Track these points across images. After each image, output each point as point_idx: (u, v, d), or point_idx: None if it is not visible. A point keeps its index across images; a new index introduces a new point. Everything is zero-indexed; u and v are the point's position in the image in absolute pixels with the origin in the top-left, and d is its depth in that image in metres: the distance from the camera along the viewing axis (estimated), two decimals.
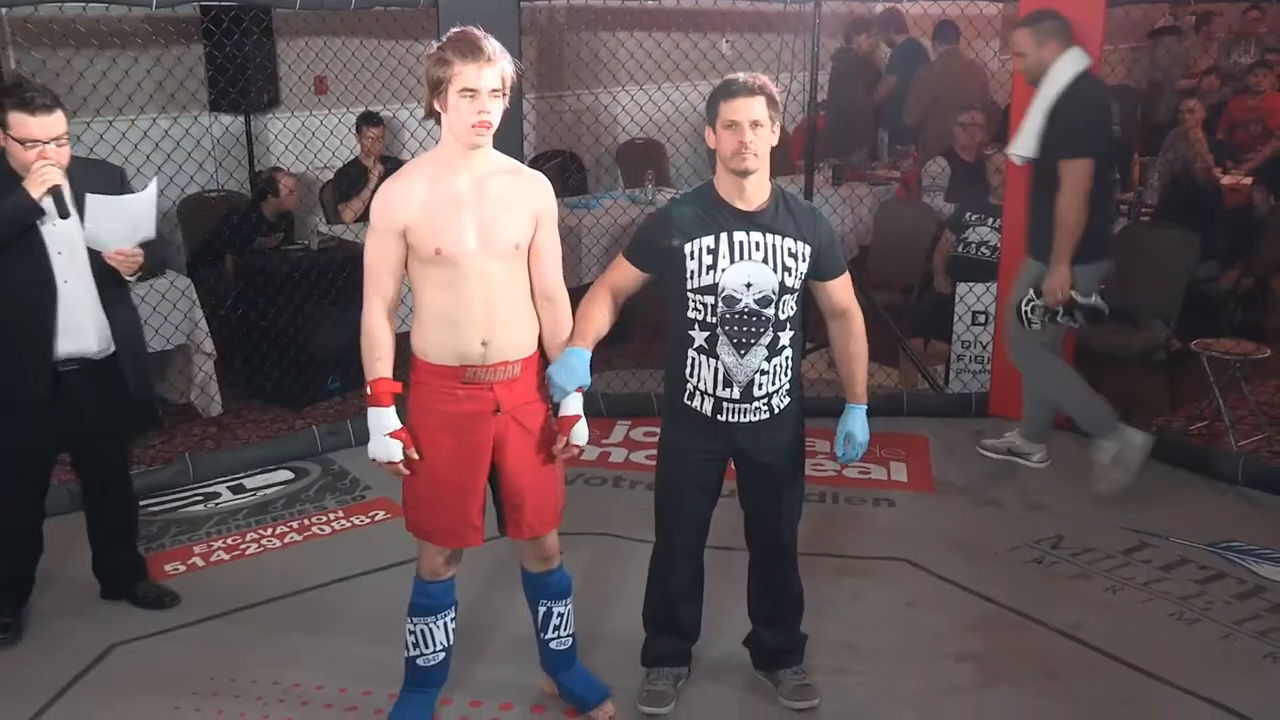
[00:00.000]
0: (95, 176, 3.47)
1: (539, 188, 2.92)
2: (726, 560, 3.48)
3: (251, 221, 5.83)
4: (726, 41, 5.14)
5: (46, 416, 3.49)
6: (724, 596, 3.43)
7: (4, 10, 4.75)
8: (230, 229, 5.78)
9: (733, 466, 3.15)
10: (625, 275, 3.06)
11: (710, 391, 3.00)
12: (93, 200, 3.32)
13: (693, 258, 2.94)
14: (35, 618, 3.72)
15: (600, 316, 2.99)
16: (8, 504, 3.58)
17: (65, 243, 3.40)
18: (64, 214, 3.32)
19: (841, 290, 3.07)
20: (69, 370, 3.47)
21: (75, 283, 3.43)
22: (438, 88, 2.73)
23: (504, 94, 2.76)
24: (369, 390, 2.88)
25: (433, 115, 2.81)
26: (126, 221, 3.40)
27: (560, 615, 3.17)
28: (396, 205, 2.80)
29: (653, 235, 3.03)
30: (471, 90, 2.70)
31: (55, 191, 3.28)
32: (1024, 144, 4.47)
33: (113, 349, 3.54)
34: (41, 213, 3.30)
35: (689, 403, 3.04)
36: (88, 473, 3.74)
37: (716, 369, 2.98)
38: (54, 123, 3.29)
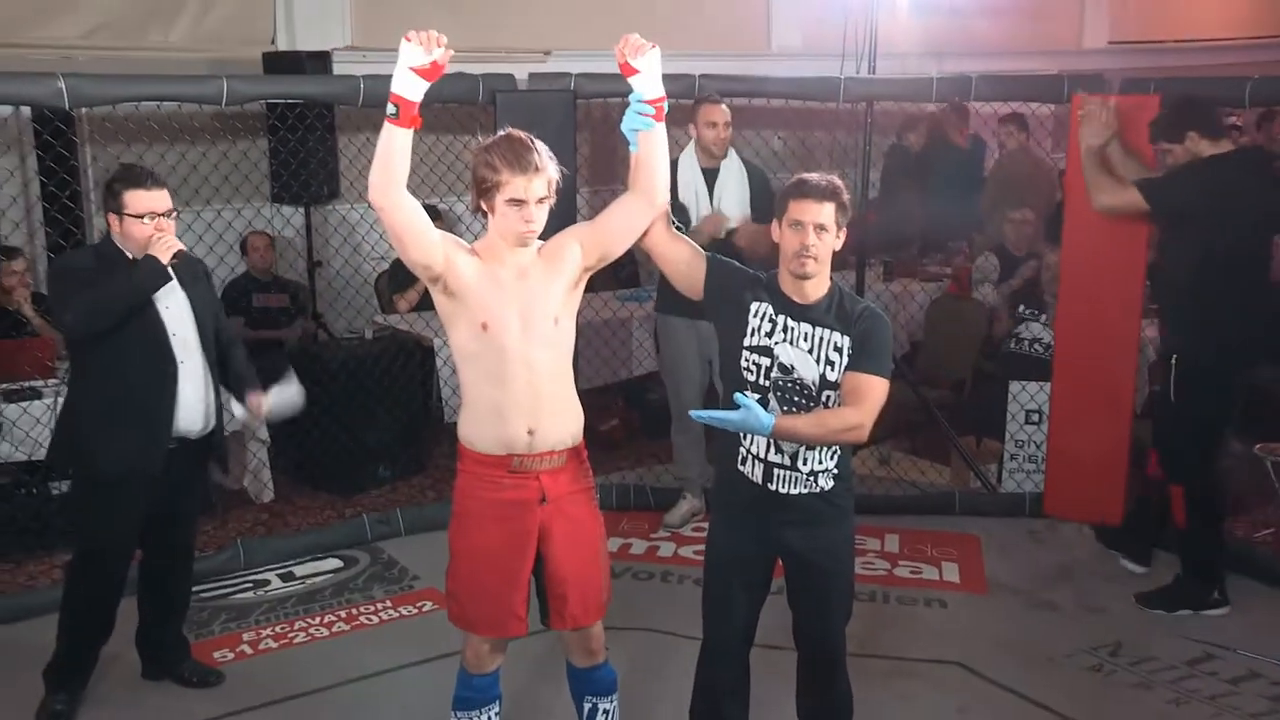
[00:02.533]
0: (189, 261, 3.63)
1: (559, 244, 2.94)
2: (775, 659, 3.42)
3: (241, 285, 6.11)
4: (779, 138, 5.21)
5: (153, 494, 3.57)
6: (772, 696, 3.36)
7: (83, 110, 4.93)
8: (228, 291, 6.01)
9: (781, 564, 3.10)
10: (689, 251, 3.04)
11: (761, 456, 2.94)
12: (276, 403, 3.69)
13: (756, 316, 2.94)
14: (86, 703, 3.71)
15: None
16: (98, 583, 3.62)
17: (179, 324, 3.55)
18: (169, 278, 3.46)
19: (854, 381, 2.87)
20: (172, 449, 3.57)
21: (189, 364, 3.57)
22: (485, 191, 2.80)
23: (550, 198, 2.82)
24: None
25: (480, 213, 2.87)
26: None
27: (606, 711, 3.12)
28: (457, 244, 2.87)
29: (733, 270, 3.03)
30: (519, 201, 2.76)
31: (177, 256, 3.44)
32: None
33: (210, 428, 3.65)
34: (169, 277, 3.44)
35: (741, 468, 2.98)
36: (156, 549, 3.77)
37: None
38: (165, 197, 3.50)
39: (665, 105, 2.87)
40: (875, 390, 2.88)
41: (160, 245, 3.42)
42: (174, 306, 3.56)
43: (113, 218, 3.49)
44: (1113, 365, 4.99)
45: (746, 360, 2.94)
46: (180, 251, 3.47)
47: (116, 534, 3.59)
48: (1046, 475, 5.28)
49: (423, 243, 2.79)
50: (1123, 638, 4.20)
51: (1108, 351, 4.97)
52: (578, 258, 2.92)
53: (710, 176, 4.82)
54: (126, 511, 3.56)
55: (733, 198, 4.80)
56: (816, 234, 2.86)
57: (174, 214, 3.52)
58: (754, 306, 2.95)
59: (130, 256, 3.48)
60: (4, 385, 4.74)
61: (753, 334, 2.94)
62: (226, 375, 3.76)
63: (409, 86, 2.65)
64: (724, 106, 4.80)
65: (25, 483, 4.79)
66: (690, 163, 4.82)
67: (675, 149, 4.84)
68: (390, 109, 2.66)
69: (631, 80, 2.82)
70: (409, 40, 2.62)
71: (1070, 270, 5.03)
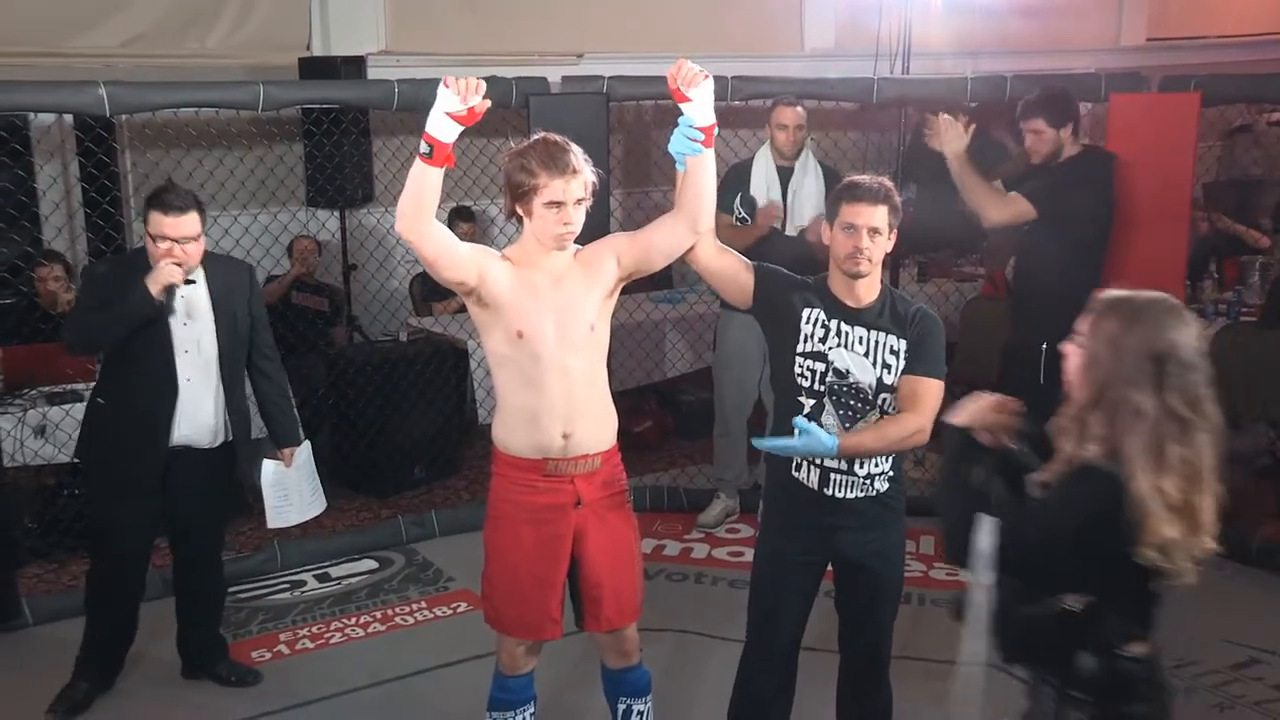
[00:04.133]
0: (226, 272, 3.66)
1: (596, 252, 2.93)
2: (816, 662, 3.39)
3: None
4: (812, 139, 5.20)
5: (153, 501, 3.61)
6: (812, 699, 3.33)
7: (124, 116, 5.00)
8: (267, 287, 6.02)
9: (831, 569, 3.08)
10: (735, 263, 3.00)
11: (818, 461, 2.91)
12: (266, 484, 3.76)
13: (808, 322, 2.91)
14: (122, 698, 3.78)
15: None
16: (109, 585, 3.69)
17: (193, 342, 3.56)
18: (170, 311, 3.48)
19: (912, 385, 2.87)
20: (180, 456, 3.60)
21: (199, 381, 3.57)
22: (522, 195, 2.79)
23: (587, 200, 2.81)
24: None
25: (515, 217, 2.87)
26: (295, 486, 3.82)
27: (640, 713, 3.12)
28: (490, 259, 2.85)
29: (782, 278, 3.00)
30: (558, 203, 2.76)
31: (170, 290, 3.43)
32: None
33: (222, 440, 3.67)
34: (155, 308, 3.43)
35: (796, 474, 2.95)
36: (184, 554, 3.83)
37: None
38: (186, 223, 3.46)
39: (715, 132, 2.83)
40: (933, 392, 2.87)
41: (156, 275, 3.41)
42: (195, 321, 3.56)
43: (143, 233, 3.54)
44: None
45: (800, 366, 2.92)
46: (209, 258, 3.50)
47: (121, 538, 3.65)
48: None
49: (455, 263, 2.78)
50: (1164, 642, 4.14)
51: None
52: (614, 269, 2.92)
53: (785, 175, 4.88)
54: (130, 516, 3.61)
55: (807, 197, 4.85)
56: (870, 237, 2.85)
57: (199, 238, 3.50)
58: (806, 313, 2.93)
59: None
60: (47, 388, 4.81)
61: (806, 340, 2.92)
62: (259, 400, 3.82)
63: (444, 130, 2.60)
64: (798, 109, 4.86)
65: (68, 484, 4.86)
66: (766, 161, 4.91)
67: (748, 149, 4.94)
68: (424, 148, 2.63)
69: (683, 106, 2.77)
70: (447, 86, 2.58)
71: (1108, 269, 4.97)
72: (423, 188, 2.67)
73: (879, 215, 2.86)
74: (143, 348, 3.50)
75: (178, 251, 3.44)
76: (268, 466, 3.82)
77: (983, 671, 2.30)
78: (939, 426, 2.61)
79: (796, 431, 2.73)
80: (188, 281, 3.52)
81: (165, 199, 3.48)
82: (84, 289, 3.60)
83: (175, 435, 3.57)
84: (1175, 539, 1.98)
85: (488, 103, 2.61)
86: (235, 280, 3.68)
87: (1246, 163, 8.47)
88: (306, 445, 3.93)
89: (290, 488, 3.85)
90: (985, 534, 2.11)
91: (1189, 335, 2.03)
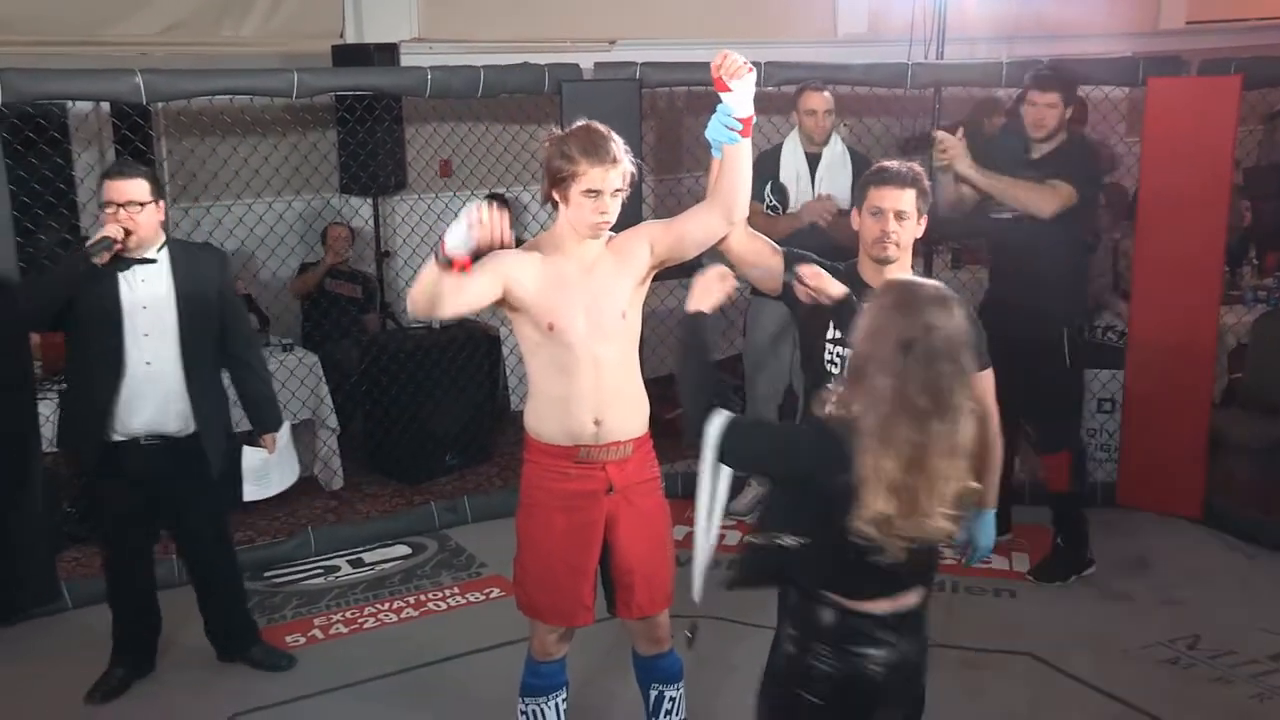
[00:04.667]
0: (194, 257, 3.63)
1: (629, 240, 2.92)
2: None
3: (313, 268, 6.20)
4: (844, 125, 5.16)
5: (131, 487, 3.60)
6: None
7: (159, 104, 5.03)
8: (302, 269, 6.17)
9: None
10: (765, 249, 2.99)
11: None
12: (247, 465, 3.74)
13: (834, 310, 2.91)
14: (159, 685, 3.83)
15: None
16: (115, 571, 3.75)
17: (156, 326, 3.52)
18: (109, 275, 3.43)
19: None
20: (151, 446, 3.58)
21: (160, 364, 3.53)
22: (560, 181, 2.78)
23: (625, 191, 2.80)
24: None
25: (550, 203, 2.86)
26: (276, 465, 3.82)
27: (672, 700, 3.13)
28: (512, 261, 2.81)
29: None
30: (596, 191, 2.75)
31: (105, 243, 3.38)
32: None
33: (194, 429, 3.61)
34: (88, 264, 3.36)
35: None
36: (186, 549, 3.87)
37: None
38: (131, 187, 3.45)
39: (754, 123, 2.81)
40: (988, 383, 2.87)
41: (91, 243, 3.40)
42: (154, 306, 3.51)
43: (100, 210, 3.52)
44: (1190, 353, 4.88)
45: (830, 354, 2.93)
46: (177, 244, 3.54)
47: (111, 526, 3.69)
48: (1120, 465, 5.18)
49: (480, 301, 2.78)
50: (1201, 631, 4.11)
51: (1185, 339, 4.86)
52: (646, 257, 2.91)
53: (813, 161, 4.85)
54: (115, 505, 3.64)
55: (836, 183, 4.81)
56: (897, 220, 2.84)
57: (147, 206, 3.45)
58: None
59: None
60: None
61: (834, 327, 2.91)
62: (240, 389, 3.79)
63: (460, 251, 2.56)
64: (826, 94, 4.82)
65: None
66: (794, 146, 4.88)
67: (779, 134, 4.91)
68: (442, 259, 2.57)
69: (724, 96, 2.75)
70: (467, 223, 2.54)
71: (1145, 255, 4.92)
72: (440, 290, 2.63)
73: (906, 199, 2.85)
74: (95, 328, 3.48)
75: (123, 215, 3.42)
76: (249, 453, 3.81)
77: (709, 550, 2.47)
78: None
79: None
80: (147, 261, 3.49)
81: (114, 168, 3.54)
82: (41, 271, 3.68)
83: (138, 421, 3.53)
84: (887, 515, 2.06)
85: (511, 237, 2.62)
86: (204, 266, 3.64)
87: None
88: (286, 426, 3.92)
89: (271, 468, 3.85)
90: (715, 426, 2.24)
91: (949, 327, 2.07)
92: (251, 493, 3.85)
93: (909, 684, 2.33)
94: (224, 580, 3.91)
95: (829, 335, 2.91)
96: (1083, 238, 4.53)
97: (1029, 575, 4.57)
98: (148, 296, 3.51)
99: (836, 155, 4.87)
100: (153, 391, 3.54)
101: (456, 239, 2.55)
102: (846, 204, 4.72)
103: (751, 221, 3.03)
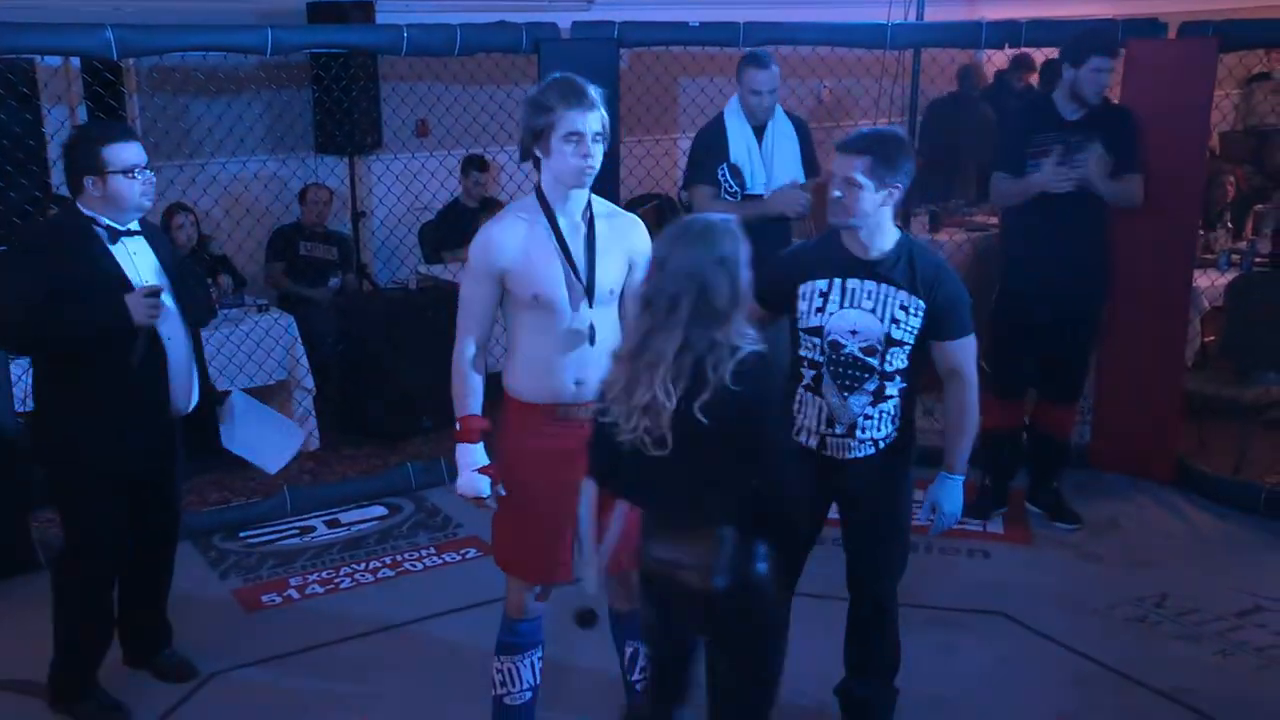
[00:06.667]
0: (150, 225, 3.39)
1: (635, 232, 2.93)
2: (828, 610, 3.41)
3: (288, 233, 6.17)
4: (825, 87, 5.14)
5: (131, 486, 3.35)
6: (822, 647, 3.35)
7: (131, 60, 4.96)
8: (275, 238, 6.12)
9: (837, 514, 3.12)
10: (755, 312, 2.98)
11: (815, 429, 2.99)
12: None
13: (804, 299, 2.95)
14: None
15: None
16: (93, 584, 3.39)
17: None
18: (105, 249, 3.20)
19: (951, 353, 2.95)
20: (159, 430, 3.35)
21: (175, 340, 3.29)
22: (539, 133, 2.76)
23: (605, 139, 2.79)
24: (459, 427, 2.91)
25: (530, 159, 2.85)
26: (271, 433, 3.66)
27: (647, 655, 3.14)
28: (495, 249, 2.84)
29: (775, 266, 3.02)
30: (577, 134, 2.73)
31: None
32: None
33: (195, 403, 3.42)
34: (128, 322, 3.13)
35: (796, 438, 3.01)
36: (146, 519, 3.44)
37: (821, 408, 2.97)
38: (141, 150, 3.20)
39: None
40: (969, 350, 2.96)
41: (139, 306, 3.12)
42: (154, 279, 3.25)
43: (92, 180, 3.14)
44: (1164, 316, 4.91)
45: (804, 341, 2.98)
46: (144, 221, 3.26)
47: (99, 532, 3.32)
48: (1092, 427, 5.23)
49: (494, 310, 2.94)
50: (1169, 590, 4.17)
51: (1159, 301, 4.89)
52: (628, 261, 2.90)
53: (758, 134, 4.59)
54: (106, 509, 3.31)
55: (785, 156, 4.60)
56: (845, 186, 2.84)
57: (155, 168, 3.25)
58: (802, 288, 2.96)
59: (106, 225, 3.18)
60: None
61: (802, 316, 2.96)
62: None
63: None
64: (773, 70, 4.50)
65: None
66: (739, 123, 4.56)
67: (719, 102, 4.85)
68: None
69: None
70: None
71: (1118, 217, 4.93)
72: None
73: (856, 165, 2.83)
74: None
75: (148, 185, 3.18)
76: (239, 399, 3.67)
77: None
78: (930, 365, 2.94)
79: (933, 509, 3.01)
80: (132, 233, 3.25)
81: (117, 129, 3.27)
82: (16, 266, 3.16)
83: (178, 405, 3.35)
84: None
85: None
86: (157, 232, 3.43)
87: (1264, 111, 8.37)
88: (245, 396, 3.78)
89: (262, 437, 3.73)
90: None
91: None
92: (229, 439, 3.75)
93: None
94: (168, 563, 3.61)
95: (799, 325, 2.99)
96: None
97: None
98: (146, 268, 3.26)
99: (781, 126, 4.63)
100: (176, 371, 3.29)
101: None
102: (799, 175, 4.62)
103: (709, 207, 3.04)
